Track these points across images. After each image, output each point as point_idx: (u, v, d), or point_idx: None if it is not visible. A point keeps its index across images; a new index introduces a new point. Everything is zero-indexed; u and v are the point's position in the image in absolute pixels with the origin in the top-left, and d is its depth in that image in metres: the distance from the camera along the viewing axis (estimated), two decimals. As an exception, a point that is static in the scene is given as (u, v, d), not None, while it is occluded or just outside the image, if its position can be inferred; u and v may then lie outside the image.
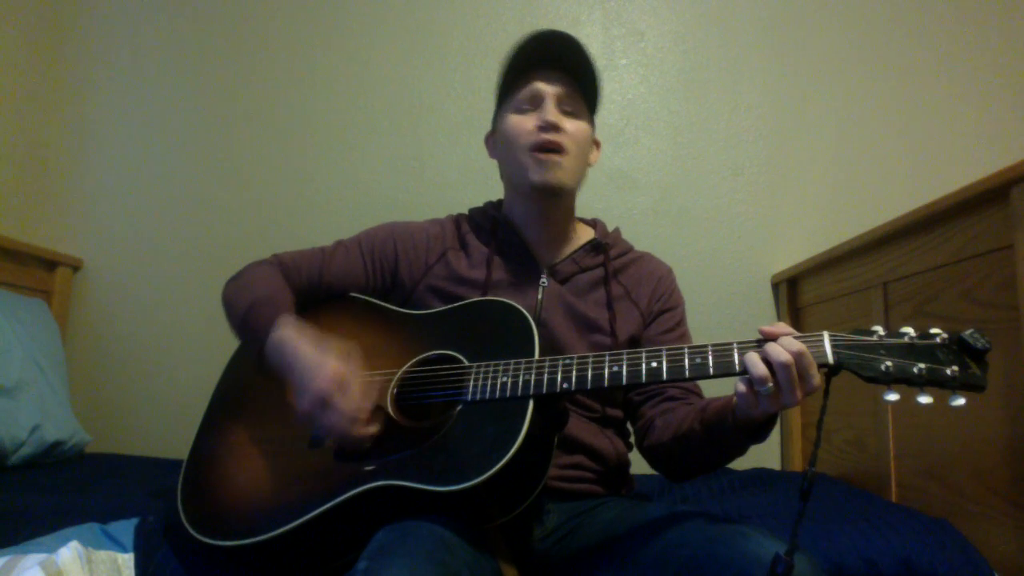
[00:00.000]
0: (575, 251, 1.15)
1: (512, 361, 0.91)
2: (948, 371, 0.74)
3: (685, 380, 0.84)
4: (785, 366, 0.76)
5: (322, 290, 1.15)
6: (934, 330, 0.78)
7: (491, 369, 0.92)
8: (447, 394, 0.94)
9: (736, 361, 0.81)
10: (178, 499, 0.99)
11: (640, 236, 1.34)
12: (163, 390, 2.05)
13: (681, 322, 1.17)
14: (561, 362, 0.89)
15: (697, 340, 0.88)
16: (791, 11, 2.12)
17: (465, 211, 1.25)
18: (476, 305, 1.05)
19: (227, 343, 1.12)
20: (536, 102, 1.11)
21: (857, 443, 1.55)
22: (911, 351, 0.76)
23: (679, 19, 2.14)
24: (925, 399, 0.75)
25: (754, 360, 0.78)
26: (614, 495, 1.08)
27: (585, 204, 1.17)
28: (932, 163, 2.01)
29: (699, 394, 1.10)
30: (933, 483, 1.25)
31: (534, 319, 0.97)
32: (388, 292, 1.17)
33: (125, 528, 1.04)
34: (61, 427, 1.65)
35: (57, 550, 0.90)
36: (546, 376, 0.88)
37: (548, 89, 1.10)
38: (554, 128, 1.08)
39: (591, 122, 1.16)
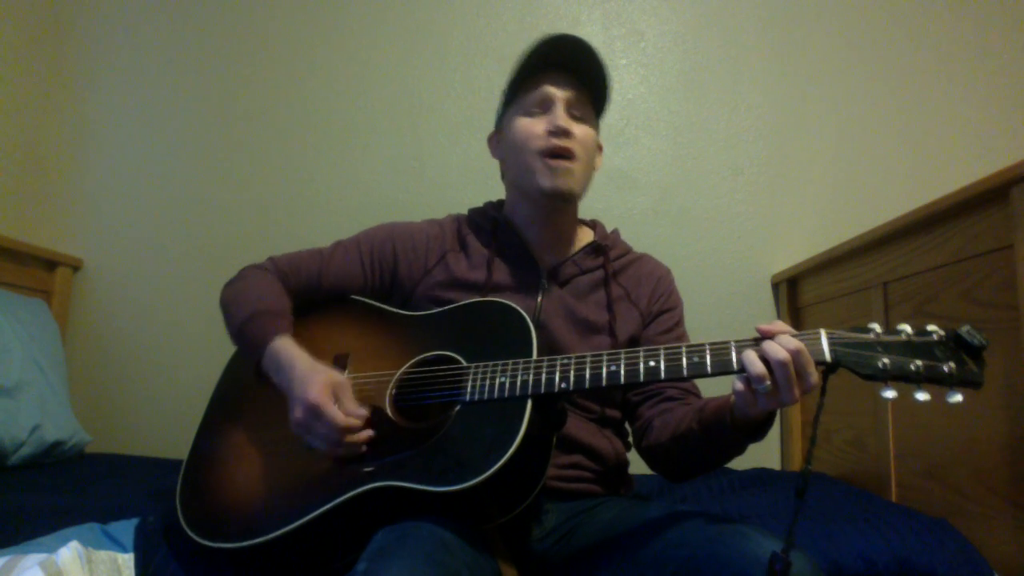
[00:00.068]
0: (575, 253, 1.15)
1: (510, 361, 0.91)
2: (945, 368, 0.74)
3: (683, 379, 0.84)
4: (783, 364, 0.76)
5: (321, 292, 1.15)
6: (931, 327, 0.78)
7: (489, 369, 0.92)
8: (445, 395, 0.94)
9: (734, 359, 0.81)
10: (177, 501, 0.99)
11: (640, 236, 1.33)
12: (163, 390, 2.05)
13: (679, 323, 1.17)
14: (559, 362, 0.89)
15: (697, 340, 0.88)
16: (791, 11, 2.12)
17: (465, 211, 1.25)
18: (474, 306, 1.05)
19: (227, 343, 1.12)
20: (545, 106, 1.10)
21: (857, 443, 1.55)
22: (908, 348, 0.77)
23: (679, 19, 2.14)
24: (922, 396, 0.75)
25: (752, 358, 0.78)
26: (613, 495, 1.08)
27: (585, 204, 1.17)
28: (932, 163, 2.01)
29: (697, 394, 1.10)
30: (933, 483, 1.25)
31: (534, 322, 0.97)
32: (387, 293, 1.17)
33: (125, 528, 1.03)
34: (61, 427, 1.65)
35: (57, 550, 0.90)
36: (544, 376, 0.88)
37: (558, 93, 1.10)
38: (565, 134, 1.07)
39: (596, 127, 1.16)
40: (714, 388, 1.02)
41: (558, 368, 0.88)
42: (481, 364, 0.93)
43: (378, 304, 1.14)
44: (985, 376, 0.74)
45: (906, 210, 1.32)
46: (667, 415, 1.03)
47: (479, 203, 1.24)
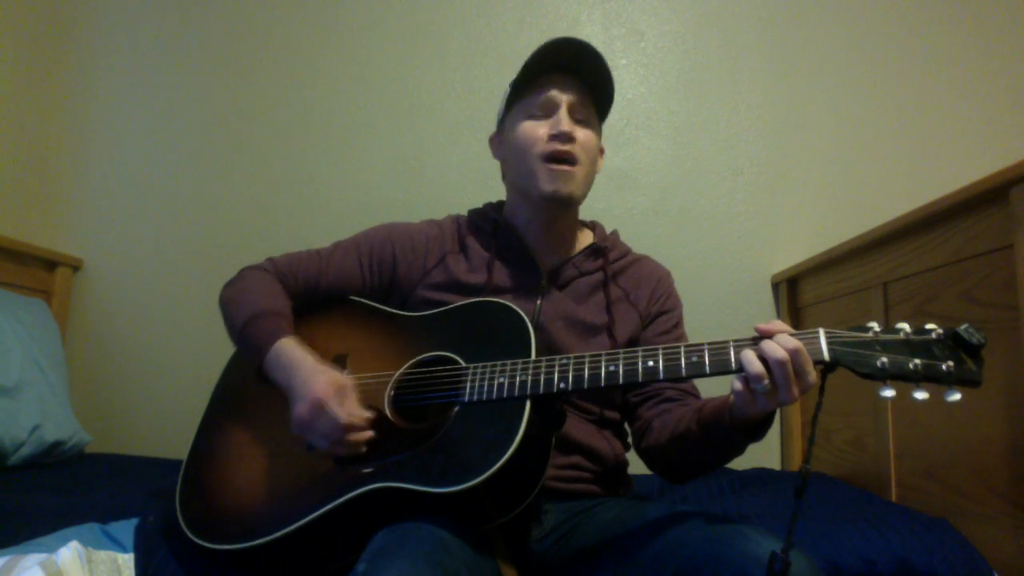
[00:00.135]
0: (575, 256, 1.15)
1: (509, 362, 0.91)
2: (944, 366, 0.74)
3: (682, 379, 0.84)
4: (781, 363, 0.76)
5: (320, 293, 1.15)
6: (929, 326, 0.78)
7: (488, 370, 0.92)
8: (444, 395, 0.94)
9: (732, 359, 0.81)
10: (176, 502, 0.99)
11: (640, 236, 1.34)
12: (163, 390, 2.05)
13: (678, 324, 1.17)
14: (558, 362, 0.89)
15: (696, 340, 0.88)
16: (791, 11, 2.12)
17: (464, 211, 1.25)
18: (473, 306, 1.05)
19: (227, 343, 1.12)
20: (549, 109, 1.10)
21: (857, 443, 1.55)
22: (907, 347, 0.77)
23: (679, 19, 2.14)
24: (921, 395, 0.75)
25: (750, 357, 0.78)
26: (612, 495, 1.08)
27: (585, 204, 1.17)
28: (932, 163, 2.01)
29: (696, 395, 1.09)
30: (933, 483, 1.25)
31: (533, 324, 0.97)
32: (386, 294, 1.16)
33: (125, 528, 1.03)
34: (61, 427, 1.65)
35: (57, 550, 0.90)
36: (543, 376, 0.88)
37: (562, 97, 1.10)
38: (568, 138, 1.07)
39: (599, 130, 1.16)
40: (714, 388, 1.02)
41: (557, 368, 0.88)
42: (480, 365, 0.93)
43: (377, 305, 1.14)
44: (984, 375, 0.74)
45: (906, 210, 1.32)
46: (666, 416, 1.03)
47: (479, 203, 1.24)
